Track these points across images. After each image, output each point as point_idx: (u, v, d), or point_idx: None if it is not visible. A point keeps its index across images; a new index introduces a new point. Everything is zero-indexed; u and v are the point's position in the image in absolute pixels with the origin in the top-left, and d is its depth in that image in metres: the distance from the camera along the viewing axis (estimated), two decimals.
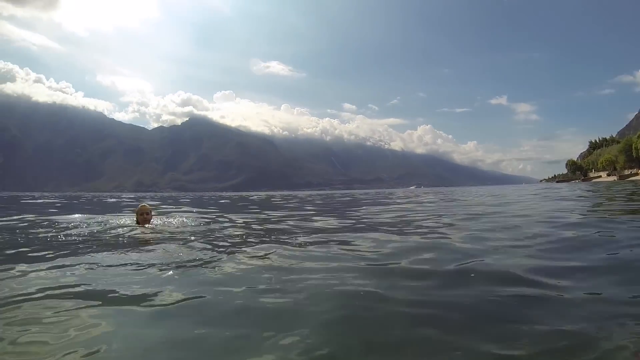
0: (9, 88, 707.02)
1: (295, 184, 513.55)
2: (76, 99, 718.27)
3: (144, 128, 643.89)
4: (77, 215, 7.14)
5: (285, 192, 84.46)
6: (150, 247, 3.47)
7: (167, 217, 6.23)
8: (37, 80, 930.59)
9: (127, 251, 3.28)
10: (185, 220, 6.04)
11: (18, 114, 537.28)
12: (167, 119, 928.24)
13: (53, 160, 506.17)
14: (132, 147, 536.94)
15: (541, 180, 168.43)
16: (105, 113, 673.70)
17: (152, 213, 5.51)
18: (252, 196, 30.96)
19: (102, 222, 5.67)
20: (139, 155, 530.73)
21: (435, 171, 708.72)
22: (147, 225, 5.15)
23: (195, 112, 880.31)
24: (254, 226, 5.67)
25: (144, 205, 5.43)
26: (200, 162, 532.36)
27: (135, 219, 5.42)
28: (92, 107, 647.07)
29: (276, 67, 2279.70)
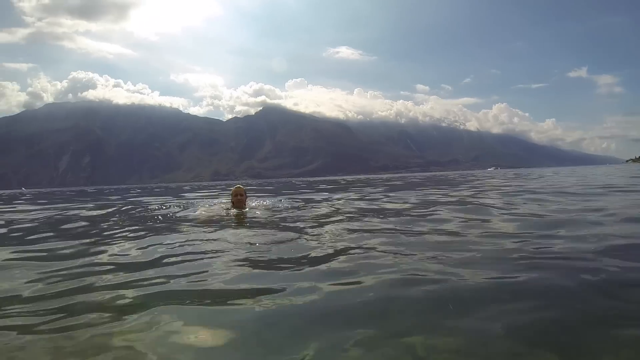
0: (91, 94, 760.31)
1: (372, 167, 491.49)
2: (153, 99, 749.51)
3: (218, 120, 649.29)
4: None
5: (364, 176, 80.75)
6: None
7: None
8: (116, 85, 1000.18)
9: None
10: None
11: (101, 117, 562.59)
12: (241, 110, 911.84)
13: (134, 156, 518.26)
14: (207, 138, 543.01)
15: (627, 161, 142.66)
16: (181, 109, 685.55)
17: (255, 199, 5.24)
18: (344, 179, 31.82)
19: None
20: (215, 146, 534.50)
21: (512, 151, 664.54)
22: (245, 209, 4.77)
23: (268, 101, 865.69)
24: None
25: (239, 187, 5.13)
26: (275, 150, 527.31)
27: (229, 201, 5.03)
28: (168, 104, 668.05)
29: (346, 52, 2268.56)
